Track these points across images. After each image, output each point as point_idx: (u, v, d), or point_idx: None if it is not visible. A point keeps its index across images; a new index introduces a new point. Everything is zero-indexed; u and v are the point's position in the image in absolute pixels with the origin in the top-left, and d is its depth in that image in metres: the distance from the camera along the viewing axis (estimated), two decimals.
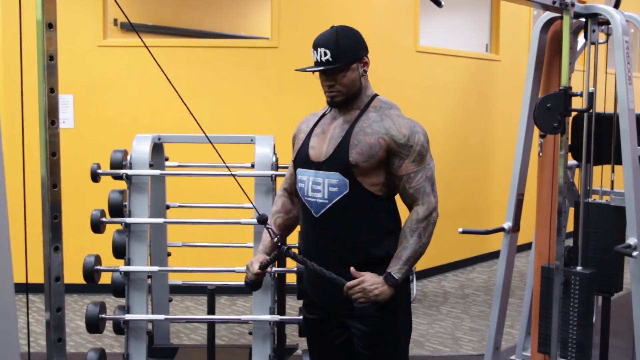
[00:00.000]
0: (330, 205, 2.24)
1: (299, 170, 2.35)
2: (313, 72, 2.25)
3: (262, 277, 2.36)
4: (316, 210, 2.27)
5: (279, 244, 2.21)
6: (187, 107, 1.93)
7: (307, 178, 2.30)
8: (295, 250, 2.31)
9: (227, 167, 2.36)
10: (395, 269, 2.16)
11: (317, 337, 2.46)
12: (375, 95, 2.36)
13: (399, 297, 2.26)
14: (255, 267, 2.31)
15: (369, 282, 2.12)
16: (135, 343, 3.53)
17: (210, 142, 2.20)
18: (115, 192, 3.67)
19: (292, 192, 2.49)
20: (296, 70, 2.30)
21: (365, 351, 2.29)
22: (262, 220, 2.17)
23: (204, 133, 2.10)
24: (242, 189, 2.25)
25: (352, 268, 2.14)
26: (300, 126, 2.46)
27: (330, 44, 2.20)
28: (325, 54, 2.20)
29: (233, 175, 2.49)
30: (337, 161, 2.22)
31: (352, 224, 2.24)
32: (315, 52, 2.23)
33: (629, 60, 3.26)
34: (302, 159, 2.34)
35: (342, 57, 2.21)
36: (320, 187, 2.26)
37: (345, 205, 2.23)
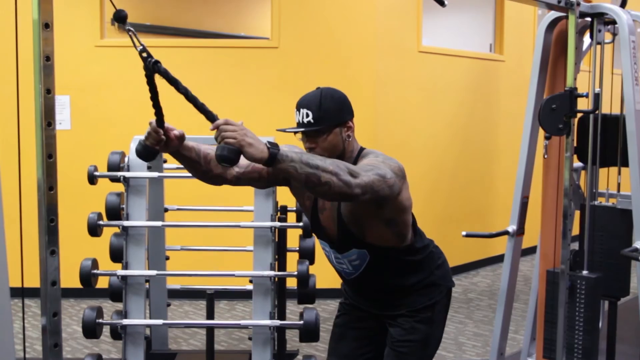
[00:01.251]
0: (357, 274, 2.38)
1: (320, 240, 2.43)
2: (294, 133, 2.21)
3: (157, 138, 1.99)
4: (346, 275, 2.43)
5: (146, 54, 1.81)
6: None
7: (328, 250, 2.41)
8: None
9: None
10: (286, 148, 1.89)
11: (348, 327, 2.55)
12: (361, 152, 2.28)
13: (438, 302, 2.43)
14: (154, 123, 1.99)
15: (249, 130, 1.84)
16: (132, 348, 3.53)
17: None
18: (112, 194, 3.67)
19: (240, 165, 2.25)
20: (277, 130, 2.24)
21: (395, 348, 2.41)
22: (120, 17, 1.73)
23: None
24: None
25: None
26: None
27: (313, 106, 2.17)
28: (307, 115, 2.17)
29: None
30: (347, 241, 2.30)
31: (383, 277, 2.40)
32: (297, 112, 2.20)
33: (636, 60, 3.26)
34: (319, 235, 2.41)
35: (324, 119, 2.16)
36: (342, 262, 2.38)
37: (372, 268, 2.35)
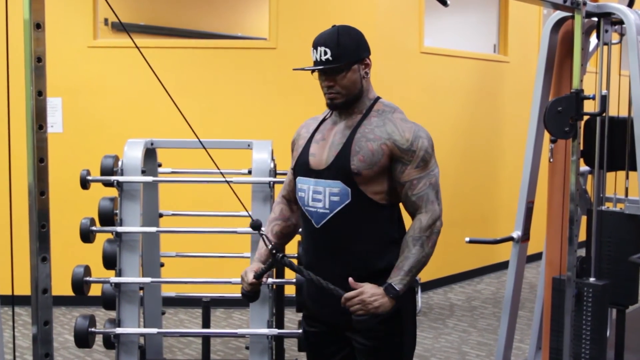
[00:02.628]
0: (331, 215, 2.24)
1: (299, 178, 2.35)
2: (312, 71, 2.25)
3: (258, 287, 2.35)
4: (317, 220, 2.27)
5: (274, 251, 2.19)
6: (180, 111, 1.93)
7: (307, 187, 2.30)
8: (294, 261, 2.32)
9: (222, 173, 2.36)
10: (397, 280, 2.15)
11: (317, 351, 2.46)
12: (378, 99, 2.35)
13: (403, 310, 2.27)
14: (250, 277, 2.29)
15: (369, 293, 2.11)
16: (126, 358, 3.52)
17: (204, 148, 2.20)
18: (105, 199, 3.67)
19: (291, 199, 2.49)
20: (294, 69, 2.30)
21: None
22: (256, 226, 2.14)
23: (198, 138, 2.10)
24: (237, 197, 2.24)
25: (350, 279, 2.14)
26: (300, 131, 2.46)
27: (330, 43, 2.20)
28: (325, 53, 2.20)
29: (228, 182, 2.49)
30: (339, 169, 2.23)
31: (355, 234, 2.25)
32: (315, 51, 2.23)
33: None
34: (302, 167, 2.34)
35: (342, 56, 2.20)
36: (321, 196, 2.26)
37: (348, 215, 2.23)
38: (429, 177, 2.25)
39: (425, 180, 2.24)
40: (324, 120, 2.40)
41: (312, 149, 2.33)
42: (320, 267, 2.28)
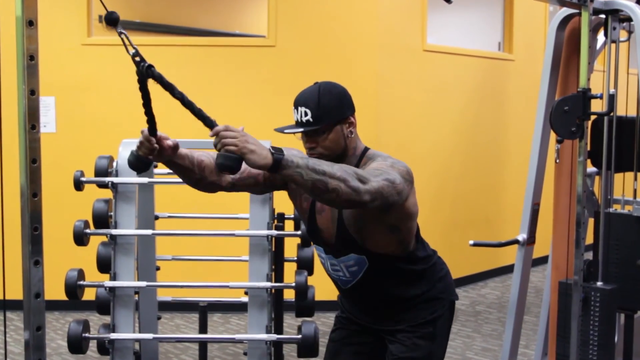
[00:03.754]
0: (355, 281, 2.37)
1: (315, 246, 2.43)
2: (293, 133, 2.21)
3: (150, 147, 1.97)
4: (343, 284, 2.42)
5: (138, 58, 1.80)
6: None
7: (324, 256, 2.40)
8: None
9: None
10: (290, 153, 1.88)
11: (344, 343, 2.54)
12: (366, 151, 2.29)
13: (440, 317, 2.41)
14: (146, 131, 1.98)
15: (251, 136, 1.84)
16: None
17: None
18: (100, 201, 3.67)
19: (209, 174, 2.20)
20: (275, 130, 2.25)
21: None
22: (111, 19, 1.71)
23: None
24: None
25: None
26: None
27: (311, 103, 2.17)
28: (306, 114, 2.17)
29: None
30: (346, 244, 2.29)
31: (382, 287, 2.38)
32: (295, 110, 2.20)
33: None
34: (315, 239, 2.40)
35: (323, 117, 2.16)
36: (338, 267, 2.37)
37: (370, 275, 2.33)
38: (392, 166, 2.11)
39: (383, 163, 2.12)
40: None
41: (319, 222, 2.34)
42: (356, 310, 2.50)
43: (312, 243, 2.48)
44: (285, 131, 2.20)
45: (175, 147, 2.04)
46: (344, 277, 2.37)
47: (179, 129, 3.13)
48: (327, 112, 2.16)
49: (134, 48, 1.76)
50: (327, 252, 2.36)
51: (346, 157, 2.24)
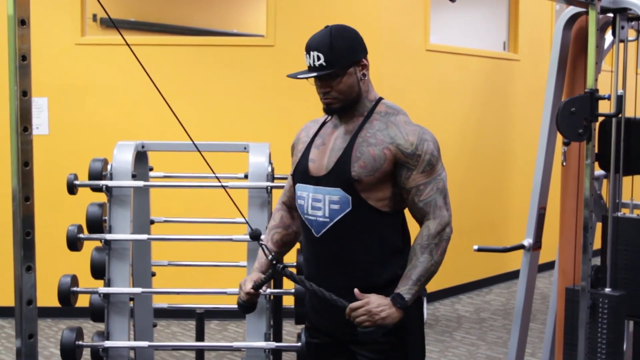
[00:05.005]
0: (331, 224, 2.25)
1: (298, 185, 2.36)
2: (307, 78, 2.24)
3: (256, 298, 2.35)
4: (317, 229, 2.29)
5: (274, 262, 2.19)
6: (173, 112, 1.93)
7: (306, 194, 2.31)
8: (294, 270, 2.34)
9: (217, 177, 2.36)
10: (405, 290, 2.15)
11: (317, 357, 2.47)
12: (380, 100, 2.35)
13: (410, 321, 2.27)
14: (248, 286, 2.30)
15: (375, 303, 2.11)
16: None
17: (199, 151, 2.19)
18: (94, 205, 3.67)
19: (292, 206, 2.49)
20: (288, 76, 2.29)
21: None
22: (255, 236, 2.17)
23: (192, 140, 2.10)
24: (234, 203, 2.24)
25: (356, 290, 2.14)
26: (300, 135, 2.47)
27: (323, 47, 2.20)
28: (319, 58, 2.20)
29: (224, 186, 2.49)
30: (339, 176, 2.23)
31: (356, 243, 2.26)
32: (307, 55, 2.23)
33: None
34: (301, 173, 2.34)
35: (337, 61, 2.20)
36: (320, 204, 2.28)
37: (348, 223, 2.24)
38: (436, 181, 2.25)
39: (432, 185, 2.25)
40: (324, 123, 2.40)
41: (312, 154, 2.33)
42: (321, 277, 2.30)
43: (294, 185, 2.42)
44: (299, 76, 2.25)
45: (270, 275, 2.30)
46: (322, 217, 2.26)
47: (195, 133, 3.12)
48: (340, 55, 2.20)
49: (272, 255, 2.19)
50: (311, 182, 2.29)
51: (360, 100, 2.29)
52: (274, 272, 2.22)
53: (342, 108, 2.27)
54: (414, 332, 2.33)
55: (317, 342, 2.44)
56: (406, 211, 2.33)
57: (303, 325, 3.73)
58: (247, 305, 2.37)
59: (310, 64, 2.23)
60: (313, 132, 2.40)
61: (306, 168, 2.32)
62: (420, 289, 2.18)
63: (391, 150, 2.22)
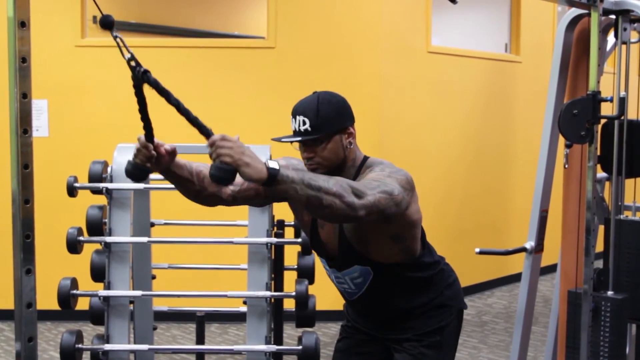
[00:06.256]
0: (360, 293, 2.39)
1: (320, 258, 2.45)
2: (291, 142, 2.22)
3: (148, 154, 2.01)
4: (349, 296, 2.45)
5: (134, 63, 1.81)
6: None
7: (329, 269, 2.42)
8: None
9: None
10: (286, 170, 1.85)
11: (351, 352, 2.56)
12: (365, 161, 2.30)
13: (447, 325, 2.42)
14: (142, 138, 2.01)
15: (246, 146, 1.83)
16: None
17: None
18: (94, 208, 3.67)
19: (235, 183, 2.14)
20: (272, 139, 2.25)
21: None
22: (106, 22, 1.74)
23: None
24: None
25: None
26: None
27: (309, 112, 2.18)
28: (304, 123, 2.17)
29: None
30: (349, 257, 2.31)
31: (388, 296, 2.41)
32: (293, 120, 2.21)
33: None
34: (319, 253, 2.43)
35: (322, 126, 2.17)
36: (343, 280, 2.39)
37: (376, 286, 2.35)
38: (389, 175, 2.12)
39: (382, 173, 2.13)
40: None
41: (322, 236, 2.37)
42: (362, 320, 2.52)
43: (316, 255, 2.51)
44: (283, 140, 2.21)
45: (173, 153, 2.05)
46: (350, 289, 2.39)
47: (175, 133, 3.12)
48: (326, 121, 2.17)
49: (130, 52, 1.76)
50: (331, 266, 2.38)
51: (345, 168, 2.25)
52: (136, 78, 1.83)
53: (325, 174, 2.12)
54: (449, 337, 2.45)
55: (354, 339, 2.56)
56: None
57: (303, 328, 3.73)
58: (137, 164, 2.02)
59: (295, 129, 2.20)
60: None
61: (324, 250, 2.38)
62: (299, 184, 1.85)
63: None
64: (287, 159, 2.42)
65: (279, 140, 2.22)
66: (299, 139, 2.18)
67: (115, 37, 1.74)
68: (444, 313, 2.43)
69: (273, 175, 1.81)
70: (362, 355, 2.54)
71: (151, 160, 1.99)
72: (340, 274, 2.37)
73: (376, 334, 2.50)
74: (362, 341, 2.54)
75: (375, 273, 2.31)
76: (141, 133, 1.97)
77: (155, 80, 1.82)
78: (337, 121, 2.20)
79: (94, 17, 7.71)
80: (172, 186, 2.73)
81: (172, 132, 3.06)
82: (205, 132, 1.85)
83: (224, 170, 1.78)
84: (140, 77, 1.80)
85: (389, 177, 2.09)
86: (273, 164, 1.83)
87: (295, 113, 2.22)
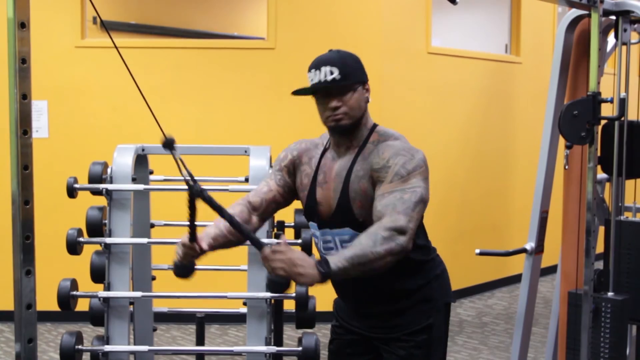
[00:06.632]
0: None
1: (310, 223, 2.41)
2: (314, 92, 2.23)
3: (194, 253, 2.18)
4: None
5: (194, 181, 1.97)
6: (152, 111, 1.93)
7: (319, 234, 2.38)
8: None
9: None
10: (334, 260, 1.98)
11: (341, 354, 2.55)
12: (375, 127, 2.34)
13: (436, 323, 2.39)
14: (185, 238, 2.16)
15: (299, 256, 1.94)
16: None
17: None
18: (93, 209, 3.67)
19: (258, 209, 2.43)
20: (295, 91, 2.27)
21: None
22: (167, 143, 1.90)
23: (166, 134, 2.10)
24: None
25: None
26: (300, 155, 2.44)
27: (337, 62, 2.22)
28: (332, 73, 2.20)
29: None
30: (344, 217, 2.27)
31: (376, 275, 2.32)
32: (317, 71, 2.22)
33: None
34: (312, 215, 2.39)
35: (350, 76, 2.22)
36: (331, 244, 2.34)
37: None
38: (403, 191, 2.15)
39: (397, 194, 2.14)
40: (324, 152, 2.39)
41: (318, 195, 2.35)
42: (350, 296, 2.46)
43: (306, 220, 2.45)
44: (312, 88, 2.23)
45: (212, 243, 2.23)
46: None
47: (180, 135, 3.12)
48: (353, 71, 2.24)
49: (188, 172, 1.95)
50: (322, 227, 2.33)
51: (360, 126, 2.29)
52: (192, 194, 1.97)
53: (351, 125, 2.25)
54: (438, 335, 2.42)
55: (343, 340, 2.53)
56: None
57: (303, 330, 3.73)
58: (185, 265, 2.20)
59: (320, 80, 2.21)
60: (315, 163, 2.39)
61: (316, 211, 2.35)
62: (351, 269, 1.99)
63: (372, 175, 2.22)
64: (300, 142, 2.47)
65: (305, 91, 2.25)
66: (331, 85, 2.20)
67: (176, 160, 1.90)
68: (431, 309, 2.40)
69: (326, 276, 1.96)
70: (352, 356, 2.52)
71: (197, 257, 2.18)
72: (330, 235, 2.31)
73: (364, 332, 2.47)
74: (352, 341, 2.51)
75: None
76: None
77: (210, 197, 1.98)
78: (361, 72, 2.28)
79: (94, 18, 7.71)
80: (173, 187, 2.76)
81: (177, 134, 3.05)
82: (259, 245, 1.99)
83: (280, 284, 1.97)
84: (197, 195, 1.97)
85: (412, 191, 2.14)
86: (324, 266, 1.95)
87: (319, 65, 2.24)
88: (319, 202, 2.34)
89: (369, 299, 2.42)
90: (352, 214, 2.24)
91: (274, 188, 2.44)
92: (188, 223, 2.06)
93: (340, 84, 2.20)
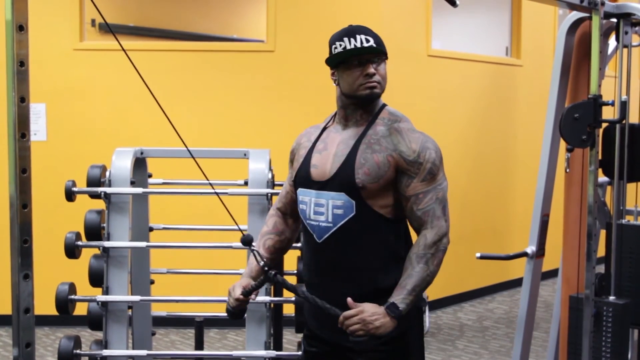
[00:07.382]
0: (334, 229, 2.25)
1: (300, 190, 2.36)
2: (361, 53, 2.24)
3: (245, 305, 2.37)
4: (319, 234, 2.29)
5: (266, 268, 2.19)
6: (168, 118, 1.93)
7: (308, 199, 2.32)
8: (294, 278, 2.35)
9: (211, 184, 2.38)
10: (399, 299, 2.14)
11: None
12: (384, 106, 2.37)
13: (410, 330, 2.29)
14: (237, 292, 2.32)
15: (369, 312, 2.10)
16: None
17: (193, 157, 2.20)
18: (92, 212, 3.67)
19: (286, 212, 2.53)
20: (329, 59, 2.30)
21: None
22: (246, 241, 2.17)
23: (186, 147, 2.10)
24: (227, 210, 2.24)
25: (349, 299, 2.14)
26: (300, 140, 2.47)
27: (369, 32, 2.28)
28: (368, 41, 2.24)
29: (218, 194, 2.49)
30: (343, 181, 2.23)
31: (359, 249, 2.26)
32: (351, 39, 2.24)
33: None
34: (303, 179, 2.35)
35: (381, 45, 2.28)
36: (323, 209, 2.28)
37: (352, 229, 2.24)
38: (435, 190, 2.25)
39: (432, 194, 2.24)
40: (325, 128, 2.41)
41: (314, 159, 2.33)
42: (322, 285, 2.32)
43: (295, 188, 2.43)
44: (361, 51, 2.23)
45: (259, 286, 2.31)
46: (325, 222, 2.26)
47: (186, 137, 3.13)
48: (382, 43, 2.29)
49: (263, 261, 2.20)
50: (315, 188, 2.29)
51: (377, 101, 2.34)
52: (266, 279, 2.21)
53: (378, 97, 2.31)
54: (413, 341, 2.34)
55: (315, 351, 2.44)
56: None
57: (303, 334, 3.73)
58: (236, 312, 2.38)
59: (356, 46, 2.24)
60: (314, 137, 2.41)
61: (308, 173, 2.33)
62: (416, 299, 2.17)
63: (394, 157, 2.23)
64: (305, 131, 2.49)
65: (356, 51, 2.23)
66: (377, 48, 2.24)
67: (252, 251, 2.20)
68: (405, 316, 2.23)
69: (399, 317, 2.13)
70: None
71: (247, 304, 2.37)
72: (324, 199, 2.26)
73: (335, 339, 2.33)
74: (325, 353, 2.42)
75: (357, 212, 2.22)
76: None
77: (283, 279, 2.21)
78: (384, 46, 2.31)
79: (93, 21, 7.73)
80: (171, 191, 2.76)
81: (175, 136, 3.05)
82: (333, 313, 2.14)
83: (361, 343, 2.12)
84: (272, 279, 2.19)
85: (441, 188, 2.27)
86: (394, 310, 2.12)
87: (352, 33, 2.27)
88: (313, 165, 2.32)
89: (341, 291, 2.24)
90: (353, 178, 2.21)
91: (289, 189, 2.50)
92: (253, 285, 2.29)
93: (379, 51, 2.25)
